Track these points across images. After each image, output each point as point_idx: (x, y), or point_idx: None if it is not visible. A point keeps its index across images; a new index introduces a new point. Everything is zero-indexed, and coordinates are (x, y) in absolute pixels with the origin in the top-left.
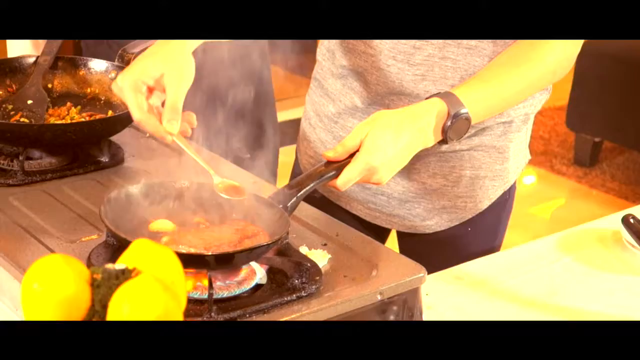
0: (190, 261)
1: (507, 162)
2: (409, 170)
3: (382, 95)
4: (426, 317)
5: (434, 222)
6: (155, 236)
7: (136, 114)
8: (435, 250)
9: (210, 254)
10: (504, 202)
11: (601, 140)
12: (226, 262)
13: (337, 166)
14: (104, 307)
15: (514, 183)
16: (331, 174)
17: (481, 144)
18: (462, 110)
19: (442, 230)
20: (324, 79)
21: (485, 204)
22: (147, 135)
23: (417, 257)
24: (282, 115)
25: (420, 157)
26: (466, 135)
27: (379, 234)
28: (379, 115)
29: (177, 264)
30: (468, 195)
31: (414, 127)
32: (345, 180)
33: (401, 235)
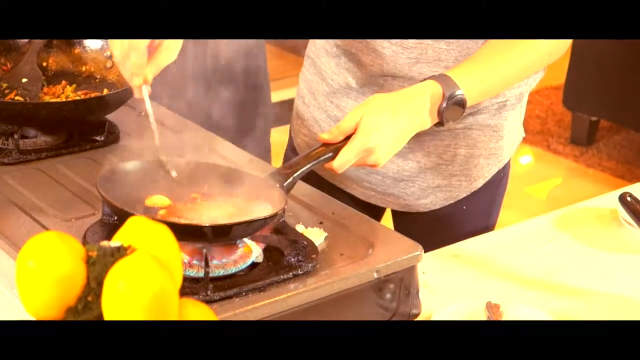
0: (187, 233)
1: (501, 141)
2: (404, 149)
3: (377, 76)
4: (422, 295)
5: (428, 200)
6: (150, 210)
7: (116, 52)
8: (429, 229)
9: (208, 225)
10: (499, 181)
11: (598, 120)
12: (224, 234)
13: (334, 148)
14: (100, 284)
15: (509, 161)
16: (328, 155)
17: (476, 122)
18: (457, 92)
19: (437, 209)
20: (317, 57)
21: (480, 182)
22: (143, 113)
23: (411, 236)
24: (276, 96)
25: (415, 136)
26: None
27: (374, 213)
28: (375, 98)
29: (173, 241)
30: (463, 173)
31: (409, 109)
32: (342, 162)
33: (395, 214)
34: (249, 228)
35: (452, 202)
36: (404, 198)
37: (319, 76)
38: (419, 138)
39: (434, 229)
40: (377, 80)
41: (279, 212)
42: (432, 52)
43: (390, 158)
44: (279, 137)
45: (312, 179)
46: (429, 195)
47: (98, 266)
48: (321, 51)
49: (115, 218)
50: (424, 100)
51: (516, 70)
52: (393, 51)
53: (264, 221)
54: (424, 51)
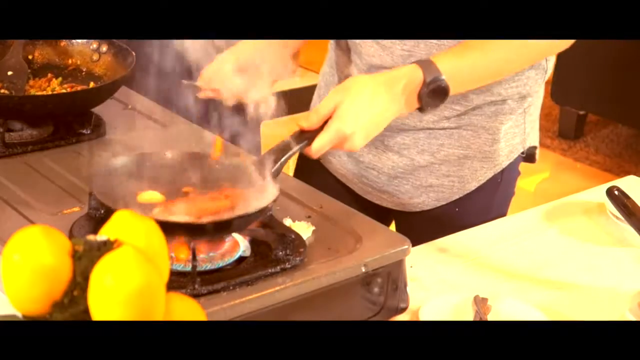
0: (183, 230)
1: (496, 144)
2: (399, 145)
3: (376, 68)
4: (411, 289)
5: (421, 200)
6: (145, 207)
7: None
8: (423, 230)
9: (208, 222)
10: (495, 186)
11: (585, 113)
12: (225, 229)
13: (312, 134)
14: (86, 279)
15: (509, 167)
16: (306, 141)
17: (470, 123)
18: (439, 77)
19: (430, 209)
20: (332, 49)
21: (473, 185)
22: (129, 107)
23: (405, 235)
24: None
25: (410, 133)
26: (455, 112)
27: (382, 215)
28: (354, 82)
29: (160, 235)
30: (455, 174)
31: (388, 94)
32: (318, 147)
33: (394, 216)
34: (248, 220)
35: (444, 203)
36: (398, 196)
37: (332, 68)
38: (414, 135)
39: (426, 229)
40: (375, 73)
41: (270, 204)
42: (424, 46)
43: (366, 142)
44: (268, 130)
45: (316, 170)
46: (422, 195)
47: (84, 260)
48: (333, 43)
49: (102, 212)
50: (402, 84)
51: (507, 57)
52: (391, 42)
53: (262, 212)
54: (416, 44)
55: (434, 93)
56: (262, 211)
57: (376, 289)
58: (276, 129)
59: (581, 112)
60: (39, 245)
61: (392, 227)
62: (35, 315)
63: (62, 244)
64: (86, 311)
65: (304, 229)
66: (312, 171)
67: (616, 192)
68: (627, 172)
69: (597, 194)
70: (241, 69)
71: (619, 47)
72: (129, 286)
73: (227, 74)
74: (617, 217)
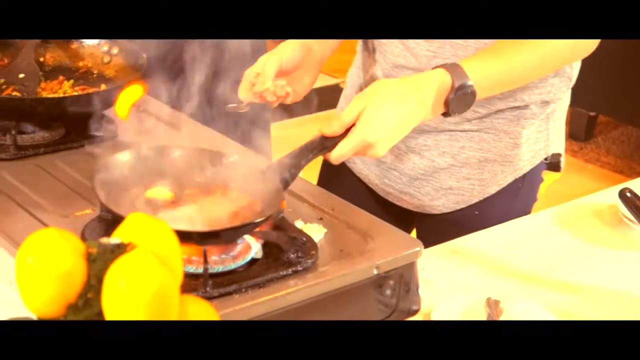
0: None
1: (517, 149)
2: (421, 147)
3: (400, 68)
4: (422, 291)
5: (441, 202)
6: (151, 204)
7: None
8: (443, 232)
9: (196, 230)
10: (516, 190)
11: (596, 115)
12: (213, 237)
13: (334, 140)
14: (100, 281)
15: (532, 173)
16: (327, 147)
17: (492, 126)
18: (467, 83)
19: (450, 212)
20: (359, 51)
21: (493, 189)
22: (141, 109)
23: (424, 239)
24: None
25: (431, 134)
26: (477, 115)
27: (404, 217)
28: (379, 86)
29: (173, 238)
30: (475, 177)
31: (415, 99)
32: (339, 155)
33: (414, 216)
34: (239, 232)
35: (464, 206)
36: (418, 198)
37: (359, 68)
38: (435, 137)
39: (446, 232)
40: (398, 74)
41: (273, 214)
42: (450, 47)
43: (389, 149)
44: (278, 132)
45: (340, 171)
46: (442, 197)
47: (98, 263)
48: (361, 44)
49: (111, 216)
50: (432, 90)
51: (533, 64)
52: (415, 42)
53: (254, 225)
54: (442, 45)
55: (461, 98)
56: (252, 225)
57: (388, 291)
58: (287, 130)
59: (592, 114)
60: (55, 249)
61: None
62: (50, 318)
63: (76, 247)
64: (100, 314)
65: (316, 231)
66: (334, 170)
67: (628, 194)
68: (638, 174)
69: (609, 195)
70: (283, 71)
71: (630, 48)
72: (143, 290)
73: (271, 76)
74: (630, 219)
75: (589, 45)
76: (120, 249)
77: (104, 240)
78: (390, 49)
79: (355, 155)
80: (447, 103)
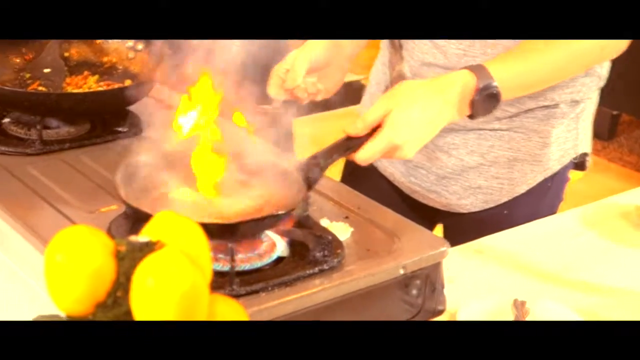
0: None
1: (547, 148)
2: (449, 145)
3: (429, 66)
4: (447, 291)
5: (469, 201)
6: (175, 204)
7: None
8: (471, 232)
9: (210, 222)
10: (545, 190)
11: (619, 114)
12: (230, 232)
13: (358, 141)
14: (128, 279)
15: (560, 172)
16: (352, 148)
17: (521, 126)
18: (492, 84)
19: (477, 211)
20: (384, 47)
21: (522, 188)
22: (166, 104)
23: (451, 238)
24: None
25: (460, 133)
26: (507, 114)
27: (430, 216)
28: (405, 88)
29: (202, 236)
30: (505, 176)
31: (441, 101)
32: (367, 157)
33: (440, 215)
34: (261, 225)
35: (492, 205)
36: (445, 197)
37: (385, 66)
38: (464, 136)
39: (474, 232)
40: (427, 73)
41: (295, 208)
42: (479, 45)
43: (417, 151)
44: (300, 128)
45: (365, 169)
46: (470, 196)
47: (127, 261)
48: (386, 41)
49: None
50: (457, 90)
51: (560, 64)
52: (445, 40)
53: (275, 218)
54: (472, 44)
55: (486, 100)
56: (272, 218)
57: (414, 291)
58: (306, 127)
59: (614, 112)
60: (85, 246)
61: (439, 229)
62: (79, 316)
63: (106, 245)
64: (128, 312)
65: (342, 230)
66: (358, 167)
67: None
68: None
69: (634, 196)
70: (312, 68)
71: None
72: (173, 289)
73: (302, 73)
74: None
75: (620, 45)
76: (149, 247)
77: (133, 238)
78: (419, 46)
79: (383, 157)
80: (472, 104)
